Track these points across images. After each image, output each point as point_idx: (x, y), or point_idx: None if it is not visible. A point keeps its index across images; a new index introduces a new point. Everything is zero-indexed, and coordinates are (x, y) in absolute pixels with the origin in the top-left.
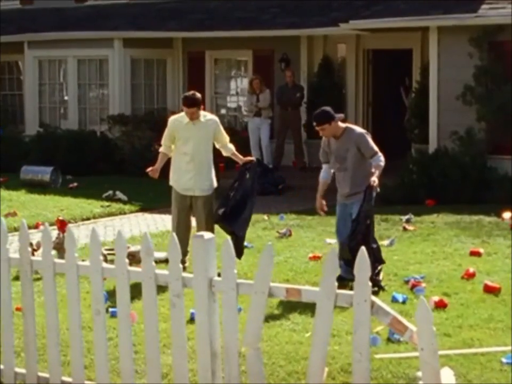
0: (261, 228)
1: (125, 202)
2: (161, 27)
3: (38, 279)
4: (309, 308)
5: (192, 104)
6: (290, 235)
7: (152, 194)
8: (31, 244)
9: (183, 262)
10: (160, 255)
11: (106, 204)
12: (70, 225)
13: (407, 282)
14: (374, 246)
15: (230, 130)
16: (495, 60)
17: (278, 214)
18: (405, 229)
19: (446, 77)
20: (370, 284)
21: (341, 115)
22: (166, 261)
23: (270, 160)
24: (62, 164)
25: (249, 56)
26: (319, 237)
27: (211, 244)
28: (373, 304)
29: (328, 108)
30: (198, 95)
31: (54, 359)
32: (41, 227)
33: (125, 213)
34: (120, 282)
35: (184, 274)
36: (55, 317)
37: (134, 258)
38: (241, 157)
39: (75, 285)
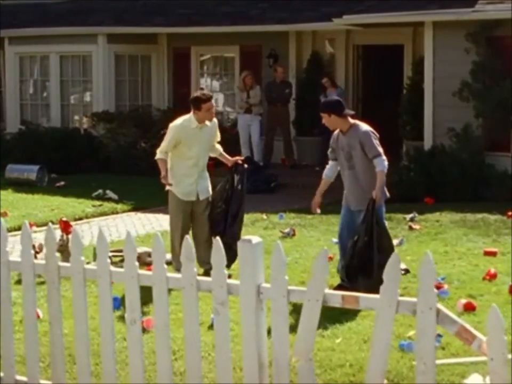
0: (262, 227)
1: (116, 202)
2: (146, 22)
3: (42, 283)
4: (332, 311)
5: (210, 98)
6: (294, 235)
7: (143, 193)
8: (33, 246)
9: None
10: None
11: (98, 203)
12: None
13: None
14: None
15: (219, 127)
16: (492, 56)
17: (275, 213)
18: (411, 228)
19: (442, 73)
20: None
21: (350, 111)
22: (169, 263)
23: (260, 157)
24: (45, 162)
25: (236, 52)
26: (324, 236)
27: (259, 248)
28: (438, 312)
29: (337, 100)
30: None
31: (83, 370)
32: (34, 227)
33: (117, 213)
34: (158, 289)
35: (229, 281)
36: (84, 325)
37: (139, 260)
38: (228, 157)
39: (108, 292)
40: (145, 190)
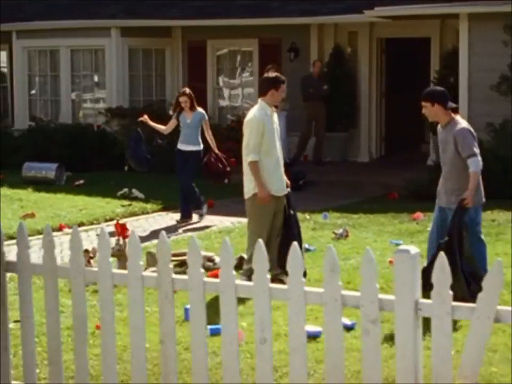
0: (309, 228)
1: (143, 201)
2: (160, 15)
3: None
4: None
5: (285, 80)
6: (347, 236)
7: (166, 191)
8: (86, 251)
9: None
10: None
11: (127, 203)
12: (94, 226)
13: None
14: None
15: (237, 123)
16: None
17: (311, 211)
18: None
19: (478, 66)
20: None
21: (452, 104)
22: (235, 267)
23: (286, 154)
24: (56, 160)
25: (255, 45)
26: (380, 237)
27: (417, 259)
28: None
29: (442, 90)
30: None
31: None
32: (66, 229)
33: (147, 213)
34: (260, 300)
35: (381, 295)
36: (141, 335)
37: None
38: None
39: (201, 303)
40: (167, 188)
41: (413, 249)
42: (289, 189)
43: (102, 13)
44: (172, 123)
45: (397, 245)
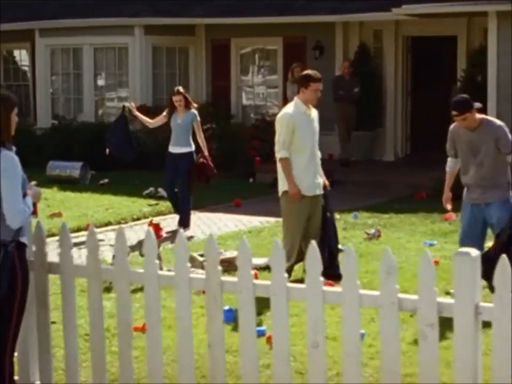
0: (340, 228)
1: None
2: (184, 13)
3: (137, 290)
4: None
5: (321, 78)
6: (379, 236)
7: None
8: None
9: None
10: (260, 261)
11: (154, 202)
12: (121, 226)
13: None
14: None
15: (262, 122)
16: None
17: (341, 212)
18: None
19: (507, 64)
20: None
21: (478, 104)
22: (266, 267)
23: None
24: (79, 158)
25: (279, 44)
26: (412, 238)
27: (478, 262)
28: None
29: (466, 95)
30: None
31: None
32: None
33: (174, 212)
34: (313, 304)
35: (439, 299)
36: (189, 338)
37: (230, 265)
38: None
39: (251, 305)
40: None
41: (474, 251)
42: (328, 189)
43: (126, 11)
44: (160, 119)
45: (431, 245)
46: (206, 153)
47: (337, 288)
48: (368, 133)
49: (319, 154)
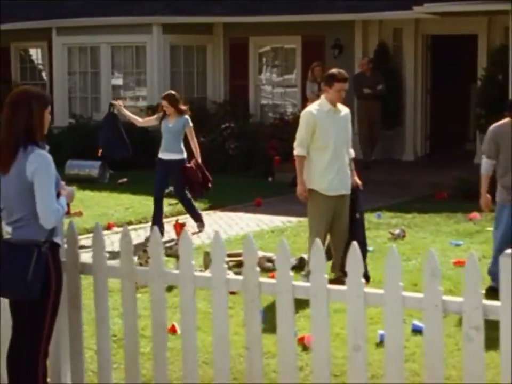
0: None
1: None
2: (202, 11)
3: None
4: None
5: (346, 79)
6: (404, 236)
7: (212, 190)
8: (145, 251)
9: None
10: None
11: (173, 201)
12: (142, 225)
13: None
14: None
15: (281, 121)
16: None
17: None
18: None
19: None
20: None
21: None
22: (294, 267)
23: None
24: (96, 157)
25: (298, 43)
26: (437, 238)
27: None
28: None
29: None
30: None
31: None
32: (115, 228)
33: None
34: (354, 305)
35: (485, 301)
36: (226, 341)
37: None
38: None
39: (290, 307)
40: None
41: None
42: (360, 190)
43: (144, 9)
44: (150, 120)
45: (457, 245)
46: (199, 160)
47: (379, 291)
48: (388, 132)
49: (351, 153)
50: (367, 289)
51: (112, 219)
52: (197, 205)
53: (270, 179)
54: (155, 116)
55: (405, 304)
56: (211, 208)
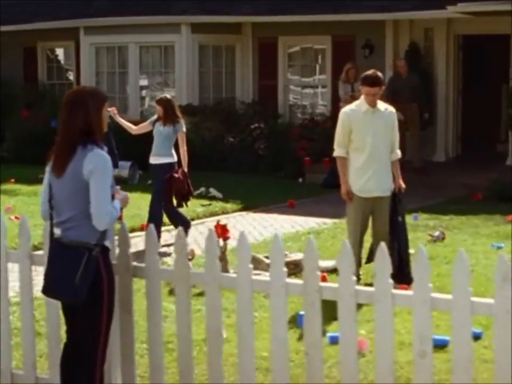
0: None
1: (222, 200)
2: (231, 11)
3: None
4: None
5: (375, 82)
6: (443, 238)
7: (243, 191)
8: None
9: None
10: (327, 264)
11: (206, 202)
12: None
13: None
14: None
15: (310, 121)
16: None
17: None
18: None
19: None
20: None
21: None
22: (334, 270)
23: None
24: (124, 158)
25: (328, 43)
26: (478, 240)
27: None
28: None
29: None
30: (380, 74)
31: None
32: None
33: (227, 212)
34: (420, 310)
35: None
36: (284, 346)
37: (297, 268)
38: (399, 172)
39: (352, 312)
40: (243, 187)
41: None
42: (402, 192)
43: (172, 9)
44: (144, 126)
45: (499, 248)
46: (186, 169)
47: (446, 296)
48: (419, 132)
49: (398, 154)
50: (434, 294)
51: (144, 220)
52: (230, 205)
53: (300, 180)
54: (147, 122)
55: (474, 310)
56: (244, 209)
